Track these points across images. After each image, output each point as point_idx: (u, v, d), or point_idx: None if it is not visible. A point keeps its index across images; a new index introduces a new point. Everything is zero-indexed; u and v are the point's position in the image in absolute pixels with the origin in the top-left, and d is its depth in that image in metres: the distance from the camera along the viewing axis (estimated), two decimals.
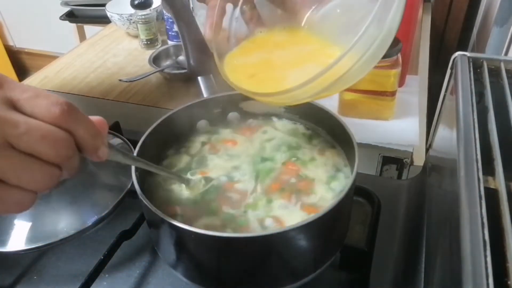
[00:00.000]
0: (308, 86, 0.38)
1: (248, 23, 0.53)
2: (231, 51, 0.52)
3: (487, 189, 0.32)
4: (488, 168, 0.34)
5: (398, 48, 0.72)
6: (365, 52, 0.39)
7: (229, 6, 0.52)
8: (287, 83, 0.40)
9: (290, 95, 0.40)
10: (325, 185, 0.48)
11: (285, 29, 0.54)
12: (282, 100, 0.44)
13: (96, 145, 0.33)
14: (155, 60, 0.98)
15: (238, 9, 0.53)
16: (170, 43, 1.05)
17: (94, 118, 0.35)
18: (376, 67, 0.71)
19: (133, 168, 0.44)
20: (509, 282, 0.25)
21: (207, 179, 0.49)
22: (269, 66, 0.50)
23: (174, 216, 0.42)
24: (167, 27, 1.04)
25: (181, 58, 0.99)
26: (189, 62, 0.85)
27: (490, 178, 0.33)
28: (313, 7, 0.53)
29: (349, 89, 0.77)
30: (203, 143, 0.55)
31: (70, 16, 1.73)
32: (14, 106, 0.29)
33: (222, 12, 0.51)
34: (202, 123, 0.57)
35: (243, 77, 0.48)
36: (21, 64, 2.76)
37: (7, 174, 0.29)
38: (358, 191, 0.57)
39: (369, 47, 0.39)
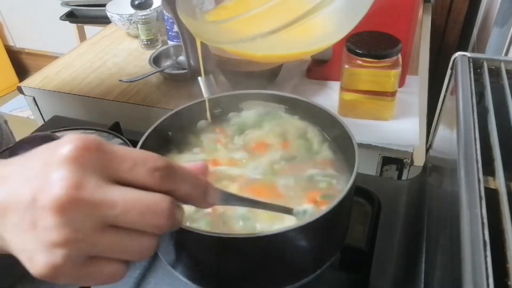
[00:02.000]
0: (260, 18, 0.37)
1: None
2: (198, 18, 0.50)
3: (487, 189, 0.32)
4: (488, 168, 0.34)
5: (398, 48, 0.72)
6: None
7: None
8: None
9: (243, 27, 0.39)
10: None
11: None
12: (237, 36, 0.41)
13: (200, 197, 0.31)
14: (155, 60, 0.98)
15: None
16: (170, 43, 1.05)
17: (195, 165, 0.33)
18: (376, 67, 0.72)
19: None
20: (509, 283, 0.25)
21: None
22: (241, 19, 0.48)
23: None
24: (167, 27, 1.04)
25: (181, 58, 0.99)
26: (189, 62, 0.85)
27: (490, 178, 0.33)
28: None
29: (349, 90, 0.77)
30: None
31: (70, 16, 1.73)
32: (112, 178, 0.27)
33: None
34: (202, 123, 0.57)
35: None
36: (21, 64, 2.77)
37: (106, 253, 0.28)
38: (358, 191, 0.57)
39: None
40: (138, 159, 0.28)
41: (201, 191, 0.31)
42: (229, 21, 0.40)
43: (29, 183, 0.26)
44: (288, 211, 0.43)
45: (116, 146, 0.28)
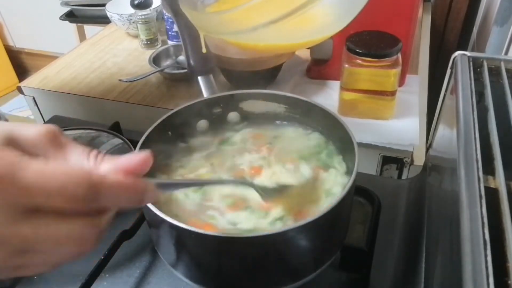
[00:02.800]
0: (261, 8, 0.37)
1: None
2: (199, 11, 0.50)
3: (487, 189, 0.32)
4: (488, 168, 0.34)
5: (398, 47, 0.72)
6: None
7: None
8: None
9: (243, 18, 0.39)
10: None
11: None
12: (238, 26, 0.41)
13: (136, 202, 0.29)
14: (155, 60, 0.98)
15: None
16: (170, 43, 1.05)
17: (130, 162, 0.30)
18: (376, 66, 0.72)
19: None
20: (509, 282, 0.25)
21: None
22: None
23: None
24: (167, 27, 1.04)
25: (181, 58, 0.99)
26: (189, 62, 0.85)
27: (490, 178, 0.33)
28: None
29: (349, 89, 0.77)
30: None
31: (70, 16, 1.73)
32: (27, 209, 0.25)
33: None
34: (202, 123, 0.57)
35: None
36: (21, 64, 2.77)
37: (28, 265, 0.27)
38: (358, 191, 0.57)
39: None
40: (55, 190, 0.25)
41: (136, 197, 0.29)
42: (231, 12, 0.40)
43: None
44: (245, 183, 0.44)
45: (29, 173, 0.25)
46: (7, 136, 0.28)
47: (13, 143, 0.28)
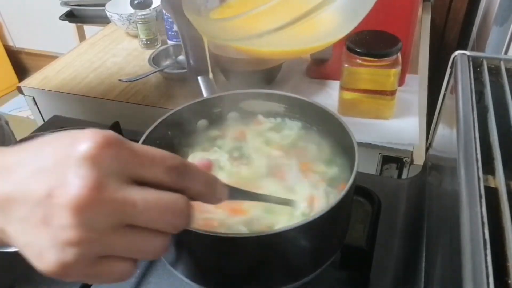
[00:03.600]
0: (267, 16, 0.38)
1: None
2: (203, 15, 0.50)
3: (487, 188, 0.32)
4: (488, 167, 0.34)
5: (398, 47, 0.72)
6: None
7: None
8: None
9: (250, 25, 0.39)
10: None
11: None
12: (245, 33, 0.42)
13: (211, 194, 0.32)
14: (155, 60, 0.98)
15: None
16: (170, 43, 1.05)
17: (202, 163, 0.34)
18: (376, 66, 0.72)
19: None
20: (509, 281, 0.25)
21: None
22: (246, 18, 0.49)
23: None
24: (167, 26, 1.04)
25: (181, 58, 0.99)
26: (188, 62, 0.85)
27: (490, 177, 0.33)
28: None
29: (349, 89, 0.77)
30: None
31: (70, 16, 1.73)
32: (131, 176, 0.27)
33: None
34: (202, 123, 0.57)
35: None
36: (21, 64, 2.77)
37: (118, 252, 0.28)
38: (358, 190, 0.57)
39: None
40: (156, 158, 0.28)
41: (212, 188, 0.32)
42: (235, 19, 0.40)
43: (43, 177, 0.26)
44: (290, 203, 0.44)
45: (135, 144, 0.28)
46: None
47: None
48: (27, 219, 0.26)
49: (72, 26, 1.84)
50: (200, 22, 0.45)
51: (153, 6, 1.08)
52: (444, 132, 0.50)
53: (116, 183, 0.26)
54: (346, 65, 0.74)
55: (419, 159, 0.73)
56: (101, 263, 0.27)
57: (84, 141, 0.26)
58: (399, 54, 0.73)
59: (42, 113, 1.01)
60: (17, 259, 0.28)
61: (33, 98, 0.99)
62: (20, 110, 2.40)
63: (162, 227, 0.28)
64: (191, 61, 0.86)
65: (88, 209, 0.25)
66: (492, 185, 0.32)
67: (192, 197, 0.30)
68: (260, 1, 0.50)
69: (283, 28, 0.38)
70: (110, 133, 0.27)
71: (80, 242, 0.25)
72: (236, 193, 0.37)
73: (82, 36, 1.89)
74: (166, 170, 0.28)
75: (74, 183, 0.25)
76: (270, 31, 0.39)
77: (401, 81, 0.86)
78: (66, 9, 1.72)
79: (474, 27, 1.21)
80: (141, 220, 0.27)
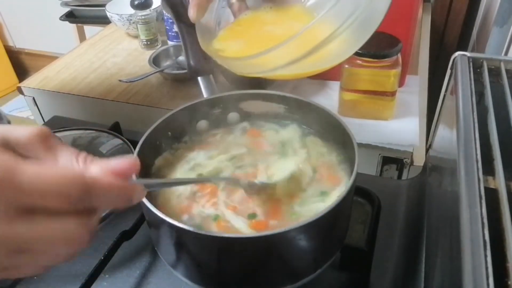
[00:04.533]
0: (280, 52, 0.39)
1: (235, 14, 0.53)
2: (216, 36, 0.52)
3: (487, 189, 0.32)
4: (488, 168, 0.34)
5: (398, 48, 0.72)
6: (342, 26, 0.39)
7: None
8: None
9: (264, 61, 0.41)
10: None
11: (272, 9, 0.53)
12: (259, 69, 0.43)
13: (125, 202, 0.30)
14: (155, 60, 0.98)
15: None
16: (170, 43, 1.05)
17: (118, 165, 0.30)
18: (376, 67, 0.72)
19: None
20: (509, 282, 0.25)
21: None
22: (254, 41, 0.50)
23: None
24: (167, 27, 1.04)
25: (181, 58, 0.99)
26: (189, 63, 0.85)
27: (490, 178, 0.33)
28: None
29: (349, 89, 0.77)
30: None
31: (70, 16, 1.73)
32: (21, 208, 0.26)
33: None
34: (202, 123, 0.57)
35: (229, 51, 0.49)
36: (21, 65, 2.77)
37: (24, 264, 0.28)
38: (358, 191, 0.57)
39: (345, 21, 0.39)
40: (49, 190, 0.26)
41: (126, 197, 0.30)
42: (248, 59, 0.43)
43: None
44: (229, 180, 0.47)
45: (25, 173, 0.26)
46: (0, 138, 0.29)
47: (6, 145, 0.29)
48: None
49: (72, 26, 1.85)
50: (222, 60, 0.47)
51: (154, 6, 1.08)
52: (444, 133, 0.50)
53: (2, 218, 0.25)
54: (346, 66, 0.74)
55: (419, 160, 0.73)
56: (5, 271, 0.28)
57: None
58: (399, 55, 0.73)
59: (42, 114, 1.01)
60: None
61: (33, 98, 0.99)
62: (20, 110, 2.40)
63: (56, 254, 0.28)
64: (191, 62, 0.86)
65: None
66: (492, 186, 0.32)
67: (105, 208, 0.30)
68: (268, 20, 0.52)
69: (298, 61, 0.40)
70: (0, 167, 0.26)
71: None
72: (157, 185, 0.39)
73: (82, 37, 1.89)
74: (61, 201, 0.27)
75: None
76: (284, 65, 0.41)
77: (401, 82, 0.86)
78: (66, 9, 1.72)
79: (474, 28, 1.21)
80: (32, 251, 0.27)
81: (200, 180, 0.49)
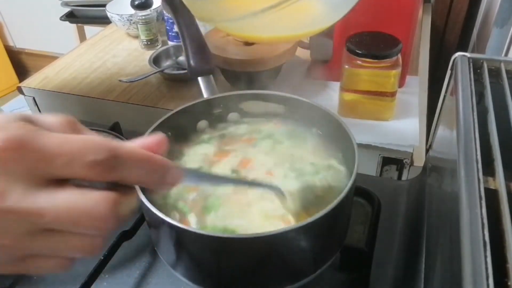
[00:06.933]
0: None
1: None
2: None
3: (487, 190, 0.32)
4: (488, 169, 0.34)
5: (398, 48, 0.72)
6: None
7: None
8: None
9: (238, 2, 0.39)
10: None
11: None
12: (231, 14, 0.41)
13: (158, 180, 0.28)
14: (155, 60, 0.98)
15: None
16: (170, 43, 1.05)
17: (148, 141, 0.29)
18: (376, 67, 0.72)
19: None
20: (509, 283, 0.25)
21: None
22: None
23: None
24: (167, 27, 1.04)
25: (181, 58, 0.99)
26: (189, 63, 0.85)
27: (490, 179, 0.33)
28: None
29: (349, 90, 0.77)
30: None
31: (70, 16, 1.73)
32: (43, 178, 0.24)
33: None
34: (202, 124, 0.57)
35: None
36: (21, 64, 2.77)
37: (43, 252, 0.26)
38: (358, 191, 0.57)
39: None
40: (74, 154, 0.24)
41: (158, 173, 0.28)
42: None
43: None
44: (267, 187, 0.43)
45: (48, 139, 0.24)
46: (24, 117, 0.26)
47: (29, 122, 0.26)
48: None
49: (73, 26, 1.85)
50: (194, 4, 0.44)
51: (154, 7, 1.08)
52: (444, 134, 0.50)
53: (22, 189, 0.23)
54: (346, 66, 0.74)
55: (419, 160, 0.73)
56: (26, 261, 0.26)
57: None
58: (399, 56, 0.73)
59: (42, 114, 1.01)
60: None
61: (33, 98, 0.99)
62: (20, 110, 2.40)
63: (82, 231, 0.25)
64: (192, 62, 0.86)
65: None
66: (492, 187, 0.32)
67: (134, 184, 0.27)
68: None
69: (276, 6, 0.37)
70: (15, 133, 0.23)
71: None
72: (197, 176, 0.34)
73: (82, 37, 1.89)
74: (88, 166, 0.24)
75: None
76: (263, 10, 0.37)
77: (401, 83, 0.86)
78: (66, 9, 1.72)
79: (474, 28, 1.21)
80: (55, 226, 0.24)
81: (241, 182, 0.43)
